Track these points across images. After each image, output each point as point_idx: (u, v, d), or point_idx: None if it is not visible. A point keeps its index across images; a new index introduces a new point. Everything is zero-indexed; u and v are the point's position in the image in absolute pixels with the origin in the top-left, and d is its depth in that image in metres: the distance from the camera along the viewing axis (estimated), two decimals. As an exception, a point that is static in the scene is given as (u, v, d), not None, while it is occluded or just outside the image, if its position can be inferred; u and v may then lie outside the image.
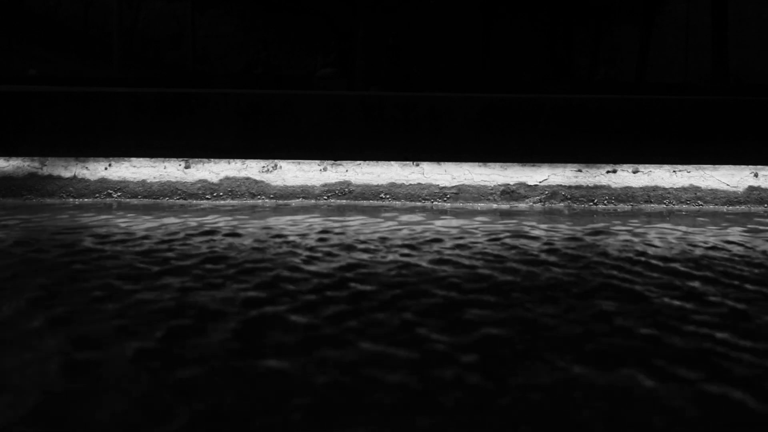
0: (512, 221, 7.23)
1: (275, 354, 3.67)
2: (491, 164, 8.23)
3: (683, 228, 7.02)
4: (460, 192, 8.16)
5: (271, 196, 8.13)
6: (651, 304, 4.61)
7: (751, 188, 8.22)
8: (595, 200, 8.18)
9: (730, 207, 8.16)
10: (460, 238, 6.39)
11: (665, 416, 3.13)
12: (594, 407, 3.20)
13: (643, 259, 5.72)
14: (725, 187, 8.22)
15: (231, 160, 8.19)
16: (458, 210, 7.84)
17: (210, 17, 36.57)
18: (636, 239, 6.46)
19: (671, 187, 8.22)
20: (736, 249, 6.13)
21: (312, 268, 5.29)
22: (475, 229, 6.81)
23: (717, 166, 8.25)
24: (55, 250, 5.71)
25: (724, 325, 4.23)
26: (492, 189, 8.18)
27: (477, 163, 8.22)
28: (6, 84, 11.45)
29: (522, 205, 8.10)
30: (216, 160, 8.19)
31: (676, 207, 8.16)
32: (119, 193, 8.10)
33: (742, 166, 8.24)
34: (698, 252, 6.00)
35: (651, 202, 8.20)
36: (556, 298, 4.70)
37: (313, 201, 8.09)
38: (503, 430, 3.00)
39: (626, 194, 8.21)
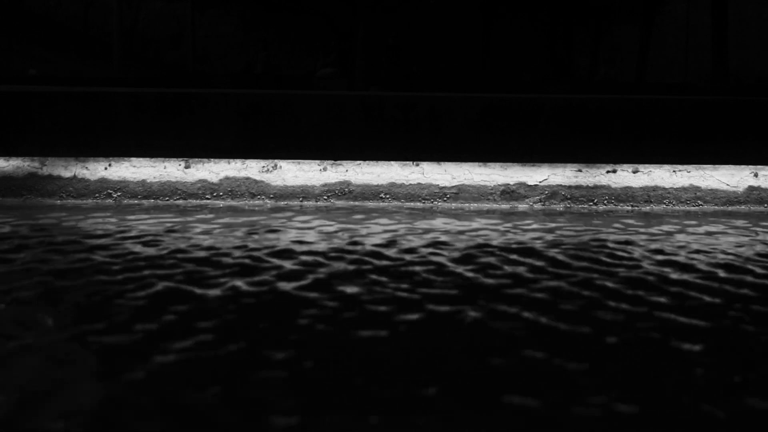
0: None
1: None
2: (491, 164, 8.23)
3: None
4: (460, 192, 8.16)
5: (271, 196, 8.13)
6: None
7: (751, 188, 8.22)
8: (595, 200, 8.19)
9: (730, 207, 8.16)
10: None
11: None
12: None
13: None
14: (725, 187, 8.22)
15: (231, 160, 8.19)
16: (458, 210, 7.84)
17: (210, 17, 36.57)
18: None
19: (671, 187, 8.23)
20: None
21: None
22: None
23: (717, 166, 8.25)
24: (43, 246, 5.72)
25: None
26: (492, 189, 8.19)
27: (477, 163, 8.22)
28: (6, 84, 11.45)
29: (522, 205, 8.10)
30: (216, 160, 8.19)
31: (676, 207, 8.16)
32: (119, 193, 8.10)
33: (742, 166, 8.25)
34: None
35: (651, 202, 8.20)
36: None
37: (312, 201, 8.09)
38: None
39: (626, 194, 8.21)
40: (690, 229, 7.00)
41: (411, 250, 5.90)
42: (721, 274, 5.35)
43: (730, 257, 5.87)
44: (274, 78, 19.04)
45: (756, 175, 8.24)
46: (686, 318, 4.36)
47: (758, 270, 5.47)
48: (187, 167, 8.18)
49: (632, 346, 3.91)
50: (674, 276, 5.28)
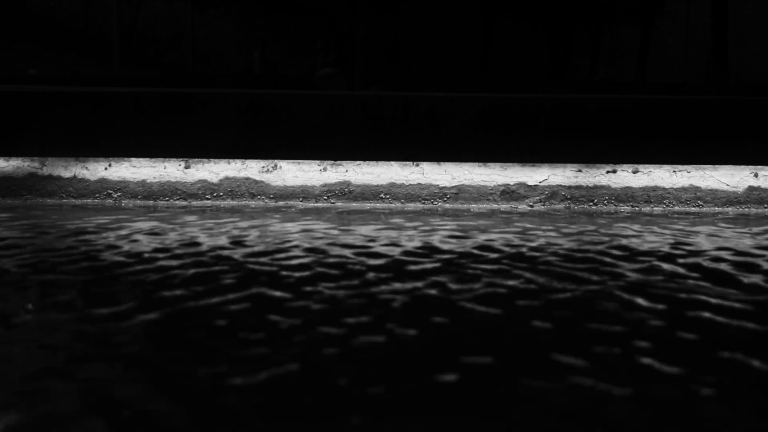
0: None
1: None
2: (491, 164, 8.23)
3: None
4: (460, 192, 8.16)
5: (271, 196, 8.13)
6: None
7: (751, 188, 8.22)
8: (595, 200, 8.18)
9: (730, 207, 8.16)
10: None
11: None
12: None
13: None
14: (725, 187, 8.22)
15: (231, 160, 8.19)
16: (458, 210, 7.85)
17: (210, 17, 36.59)
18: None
19: (671, 187, 8.22)
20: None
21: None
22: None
23: (717, 166, 8.25)
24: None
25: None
26: (492, 189, 8.18)
27: (477, 163, 8.22)
28: (6, 84, 11.45)
29: (522, 206, 8.10)
30: (216, 160, 8.19)
31: (676, 207, 8.16)
32: (119, 194, 8.10)
33: (742, 166, 8.24)
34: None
35: (651, 203, 8.20)
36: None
37: (313, 202, 8.09)
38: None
39: (626, 194, 8.21)
40: (693, 229, 7.00)
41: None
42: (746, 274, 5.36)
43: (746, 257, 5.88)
44: (274, 78, 19.05)
45: (756, 175, 8.24)
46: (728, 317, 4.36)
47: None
48: (187, 167, 8.18)
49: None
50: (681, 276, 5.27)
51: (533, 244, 6.22)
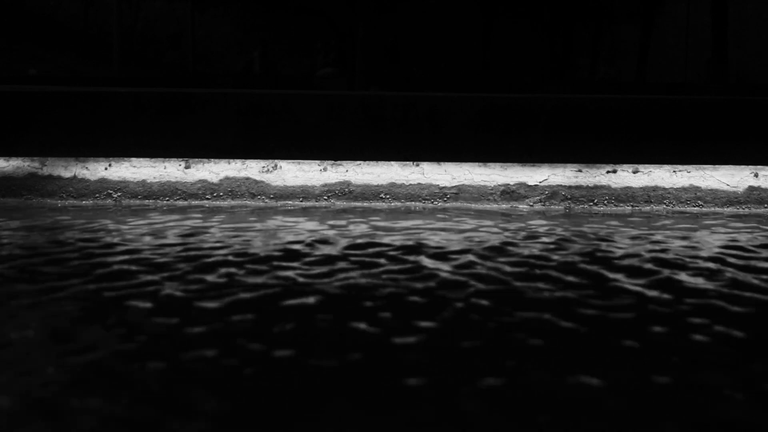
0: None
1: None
2: (491, 164, 8.23)
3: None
4: (460, 192, 8.16)
5: (271, 196, 8.13)
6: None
7: (751, 188, 8.22)
8: (596, 200, 8.18)
9: (730, 207, 8.16)
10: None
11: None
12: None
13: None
14: (725, 187, 8.22)
15: (231, 160, 8.19)
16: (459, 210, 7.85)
17: (210, 17, 36.60)
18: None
19: (671, 187, 8.22)
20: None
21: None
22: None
23: (717, 166, 8.25)
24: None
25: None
26: (492, 189, 8.18)
27: (477, 163, 8.22)
28: (6, 84, 11.45)
29: (522, 205, 8.10)
30: (216, 160, 8.19)
31: (677, 207, 8.16)
32: (119, 194, 8.10)
33: (742, 166, 8.24)
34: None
35: (651, 203, 8.20)
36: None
37: (313, 201, 8.09)
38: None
39: (626, 194, 8.21)
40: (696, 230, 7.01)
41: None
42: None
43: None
44: (274, 78, 19.06)
45: (756, 175, 8.24)
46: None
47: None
48: (187, 167, 8.18)
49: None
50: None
51: (511, 246, 6.22)
